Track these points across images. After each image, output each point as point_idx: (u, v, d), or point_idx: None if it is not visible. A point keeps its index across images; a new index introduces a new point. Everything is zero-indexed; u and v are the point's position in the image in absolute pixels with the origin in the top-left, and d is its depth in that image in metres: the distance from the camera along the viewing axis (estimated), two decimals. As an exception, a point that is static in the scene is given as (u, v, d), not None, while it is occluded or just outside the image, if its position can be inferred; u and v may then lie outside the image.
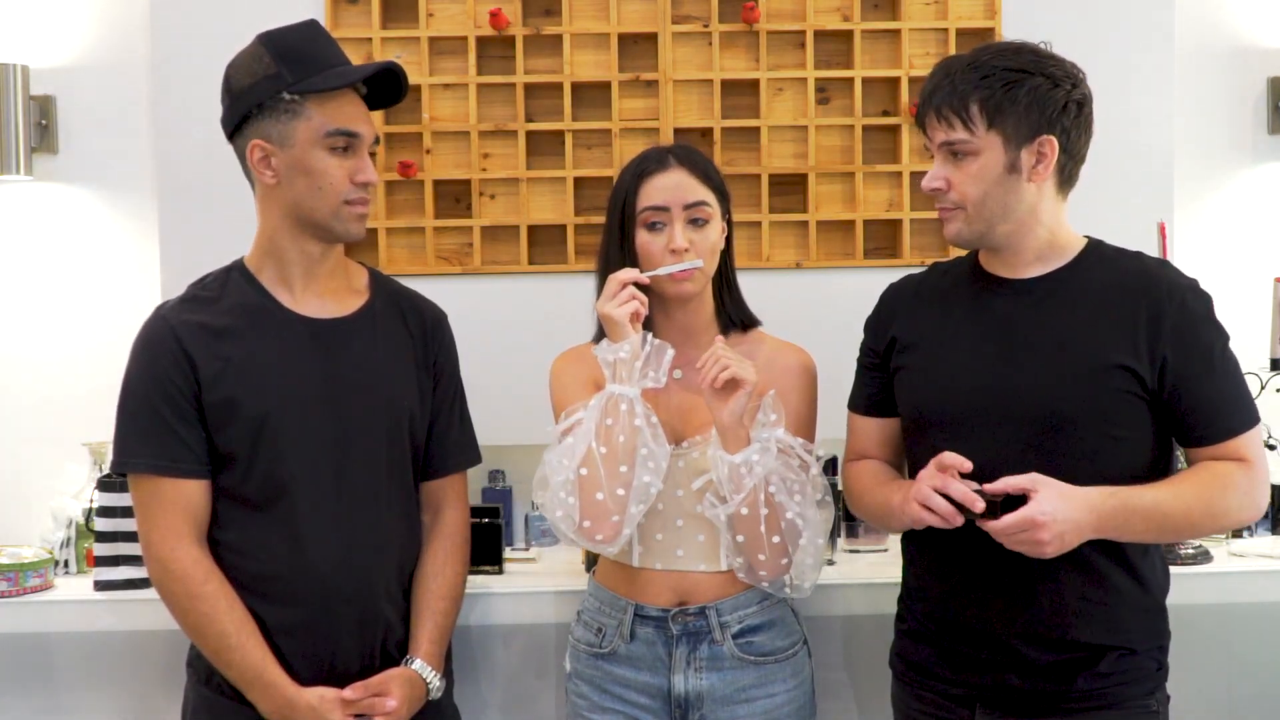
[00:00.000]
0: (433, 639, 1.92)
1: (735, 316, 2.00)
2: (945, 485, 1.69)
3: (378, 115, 2.34)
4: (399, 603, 1.93)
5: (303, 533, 1.85)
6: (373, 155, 1.90)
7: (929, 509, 1.69)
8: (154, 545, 1.84)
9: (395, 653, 1.92)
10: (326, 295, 1.92)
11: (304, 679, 1.84)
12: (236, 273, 1.92)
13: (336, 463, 1.87)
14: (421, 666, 1.90)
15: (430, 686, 1.91)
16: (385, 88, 1.93)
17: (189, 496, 1.84)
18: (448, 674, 1.98)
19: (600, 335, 1.94)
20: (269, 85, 1.82)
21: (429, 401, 1.98)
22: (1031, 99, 1.72)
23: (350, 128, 1.84)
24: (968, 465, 1.70)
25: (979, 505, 1.66)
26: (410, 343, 1.97)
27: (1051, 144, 1.74)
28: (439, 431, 2.00)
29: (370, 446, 1.89)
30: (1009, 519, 1.64)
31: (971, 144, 1.74)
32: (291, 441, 1.84)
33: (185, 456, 1.83)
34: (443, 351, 2.01)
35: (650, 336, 1.84)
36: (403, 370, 1.95)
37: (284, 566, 1.84)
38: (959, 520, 1.69)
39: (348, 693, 1.84)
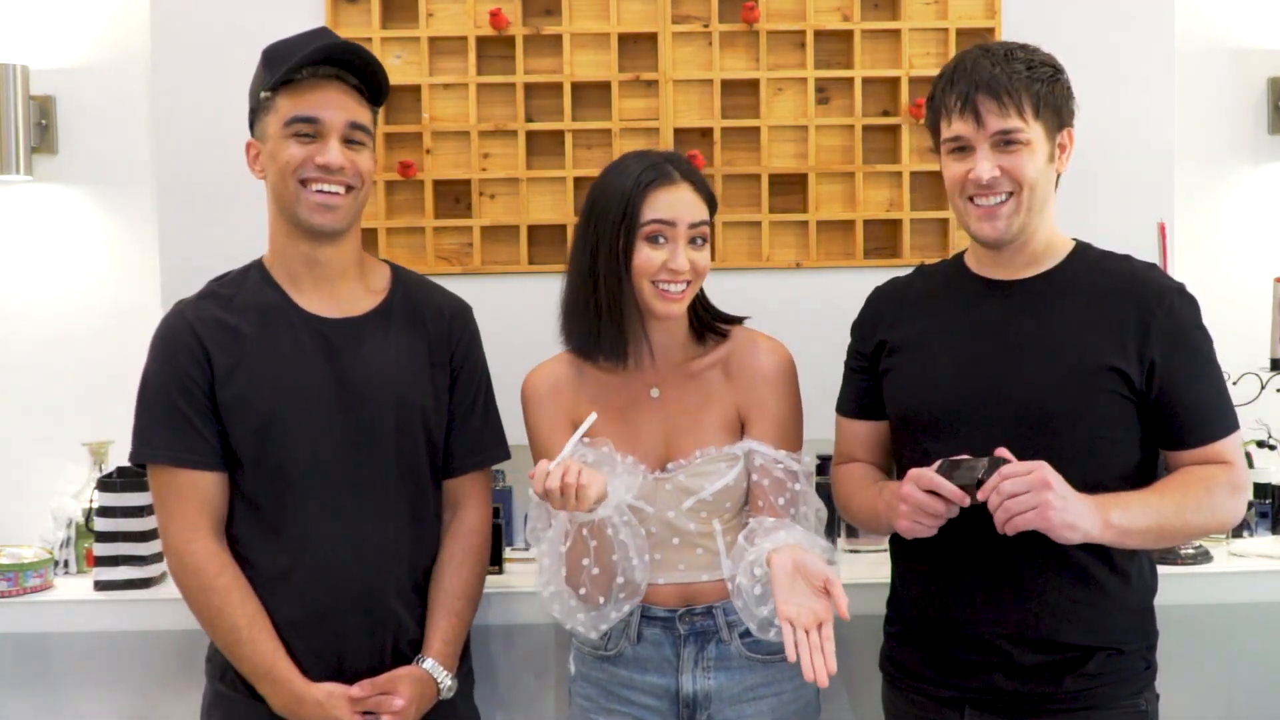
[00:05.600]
0: (446, 639, 1.92)
1: (709, 323, 1.96)
2: (933, 484, 1.68)
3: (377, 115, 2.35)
4: (412, 602, 1.93)
5: (310, 531, 1.85)
6: (358, 147, 1.86)
7: (922, 508, 1.69)
8: (170, 537, 1.85)
9: (408, 652, 1.91)
10: (342, 295, 1.92)
11: (314, 676, 1.84)
12: (255, 271, 1.94)
13: (345, 462, 1.87)
14: (433, 666, 1.90)
15: (441, 686, 1.90)
16: (381, 80, 1.93)
17: (205, 489, 1.85)
18: (466, 674, 1.98)
19: (571, 339, 1.93)
20: (256, 88, 1.87)
21: (445, 399, 1.97)
22: (1061, 92, 1.78)
23: (308, 113, 1.83)
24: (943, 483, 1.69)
25: (965, 500, 1.66)
26: (425, 340, 1.95)
27: (1071, 136, 1.80)
28: (458, 428, 1.98)
29: (379, 445, 1.89)
30: (1018, 464, 1.63)
31: (1026, 132, 1.75)
32: (299, 440, 1.85)
33: (202, 449, 1.84)
34: (462, 346, 1.99)
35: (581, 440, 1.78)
36: (415, 368, 1.93)
37: (292, 564, 1.85)
38: (958, 494, 1.67)
39: (355, 690, 1.83)
